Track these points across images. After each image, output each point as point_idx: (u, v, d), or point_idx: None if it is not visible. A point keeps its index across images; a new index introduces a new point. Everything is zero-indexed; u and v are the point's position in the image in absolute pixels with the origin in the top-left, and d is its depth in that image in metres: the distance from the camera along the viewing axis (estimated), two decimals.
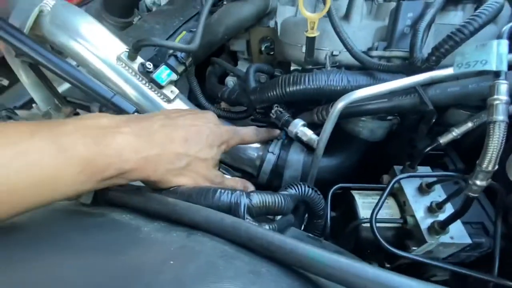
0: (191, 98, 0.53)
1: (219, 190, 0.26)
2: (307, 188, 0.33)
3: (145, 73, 0.41)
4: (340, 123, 0.46)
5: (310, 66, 0.44)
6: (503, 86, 0.27)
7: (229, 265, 0.19)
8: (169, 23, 0.59)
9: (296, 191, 0.32)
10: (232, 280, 0.18)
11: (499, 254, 0.34)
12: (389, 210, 0.41)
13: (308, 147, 0.44)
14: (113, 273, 0.19)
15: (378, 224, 0.36)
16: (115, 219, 0.25)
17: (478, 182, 0.28)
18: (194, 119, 0.31)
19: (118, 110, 0.37)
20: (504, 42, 0.28)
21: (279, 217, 0.32)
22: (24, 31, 0.37)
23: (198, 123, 0.31)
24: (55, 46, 0.40)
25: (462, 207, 0.32)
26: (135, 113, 0.37)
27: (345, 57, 0.42)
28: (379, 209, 0.36)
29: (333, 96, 0.39)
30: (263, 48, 0.55)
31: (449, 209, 0.37)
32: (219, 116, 0.50)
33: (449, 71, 0.33)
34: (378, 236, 0.35)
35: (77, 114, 0.50)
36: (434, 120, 0.39)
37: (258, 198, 0.27)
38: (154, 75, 0.41)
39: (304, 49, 0.42)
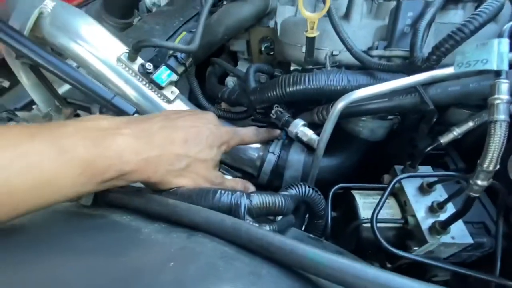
0: (191, 98, 0.53)
1: (219, 191, 0.26)
2: (307, 189, 0.33)
3: (145, 74, 0.41)
4: (340, 123, 0.46)
5: (310, 66, 0.44)
6: (504, 85, 0.27)
7: (229, 266, 0.19)
8: (169, 23, 0.59)
9: (296, 191, 0.32)
10: (232, 282, 0.18)
11: (501, 254, 0.34)
12: (390, 210, 0.40)
13: (309, 147, 0.44)
14: (114, 275, 0.19)
15: (379, 224, 0.36)
16: (116, 221, 0.25)
17: (479, 182, 0.28)
18: (194, 120, 0.31)
19: (118, 111, 0.37)
20: (505, 41, 0.28)
21: (279, 217, 0.32)
22: (24, 32, 0.37)
23: (198, 124, 0.31)
24: (55, 48, 0.40)
25: (463, 207, 0.31)
26: (135, 114, 0.37)
27: (345, 57, 0.42)
28: (380, 209, 0.36)
29: (333, 96, 0.39)
30: (263, 48, 0.55)
31: (450, 209, 0.37)
32: (219, 117, 0.50)
33: (449, 70, 0.33)
34: (379, 237, 0.34)
35: (77, 115, 0.50)
36: (434, 120, 0.38)
37: (259, 199, 0.27)
38: (154, 76, 0.41)
39: (304, 49, 0.42)
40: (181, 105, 0.45)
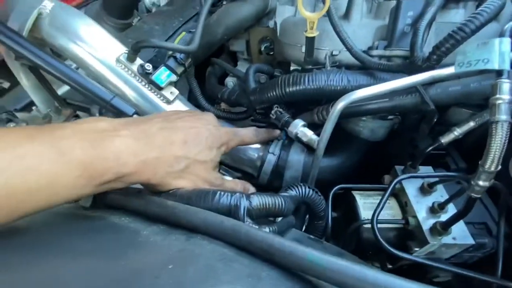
0: (191, 99, 0.53)
1: (218, 193, 0.26)
2: (307, 189, 0.33)
3: (144, 75, 0.41)
4: (340, 123, 0.45)
5: (310, 66, 0.44)
6: (505, 85, 0.26)
7: (229, 269, 0.19)
8: (169, 24, 0.59)
9: (296, 192, 0.32)
10: (231, 284, 0.18)
11: (503, 254, 0.34)
12: (391, 211, 0.40)
13: (309, 148, 0.44)
14: (113, 277, 0.19)
15: (379, 225, 0.36)
16: (114, 223, 0.25)
17: (480, 183, 0.28)
18: (193, 121, 0.31)
19: (118, 112, 0.37)
20: (507, 40, 0.27)
21: (279, 218, 0.32)
22: (23, 34, 0.37)
23: (197, 125, 0.31)
24: (54, 49, 0.40)
25: (464, 208, 0.31)
26: (135, 115, 0.37)
27: (345, 57, 0.42)
28: (381, 210, 0.36)
29: (333, 96, 0.38)
30: (262, 48, 0.55)
31: (451, 209, 0.37)
32: (218, 117, 0.50)
33: (450, 70, 0.32)
34: (379, 238, 0.34)
35: (77, 116, 0.50)
36: (435, 120, 0.38)
37: (258, 200, 0.26)
38: (153, 77, 0.41)
39: (303, 49, 0.42)
40: (180, 105, 0.45)
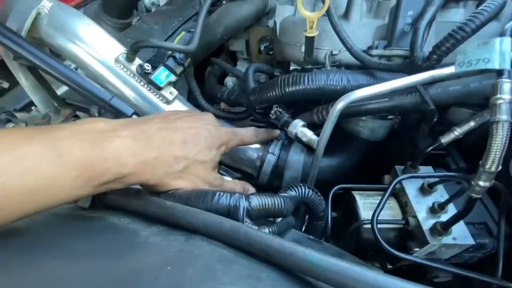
0: (190, 99, 0.52)
1: (217, 193, 0.26)
2: (307, 190, 0.33)
3: (144, 75, 0.41)
4: (340, 123, 0.45)
5: (310, 66, 0.44)
6: (506, 85, 0.26)
7: (228, 270, 0.19)
8: (168, 23, 0.59)
9: (296, 192, 0.32)
10: (231, 285, 0.18)
11: (503, 255, 0.34)
12: (391, 211, 0.40)
13: (308, 147, 0.43)
14: (111, 278, 0.19)
15: (379, 225, 0.36)
16: (113, 223, 0.25)
17: (481, 183, 0.28)
18: (193, 121, 0.31)
19: (117, 112, 0.37)
20: (507, 40, 0.27)
21: (279, 219, 0.32)
22: (22, 34, 0.37)
23: (196, 125, 0.31)
24: (53, 49, 0.40)
25: (465, 208, 0.31)
26: (134, 115, 0.37)
27: (345, 56, 0.42)
28: (381, 210, 0.36)
29: (333, 96, 0.38)
30: (262, 48, 0.55)
31: (451, 210, 0.37)
32: (218, 117, 0.49)
33: (450, 70, 0.32)
34: (379, 238, 0.34)
35: (76, 116, 0.50)
36: (435, 119, 0.38)
37: (258, 201, 0.26)
38: (152, 77, 0.41)
39: (303, 49, 0.42)
40: (180, 105, 0.45)
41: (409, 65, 0.37)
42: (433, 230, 0.35)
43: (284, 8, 0.48)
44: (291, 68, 0.49)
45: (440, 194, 0.39)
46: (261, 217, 0.27)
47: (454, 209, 0.37)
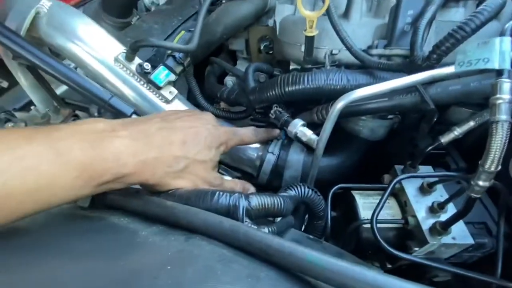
0: (190, 98, 0.52)
1: (217, 193, 0.26)
2: (306, 189, 0.33)
3: (143, 74, 0.41)
4: (340, 122, 0.45)
5: (310, 65, 0.44)
6: (506, 84, 0.26)
7: (228, 269, 0.19)
8: (168, 22, 0.59)
9: (295, 192, 0.32)
10: (230, 285, 0.18)
11: (502, 254, 0.34)
12: (390, 211, 0.40)
13: (308, 147, 0.43)
14: (111, 278, 0.19)
15: (379, 225, 0.36)
16: (113, 223, 0.25)
17: (480, 183, 0.28)
18: (192, 120, 0.31)
19: (116, 112, 0.37)
20: (507, 40, 0.27)
21: (279, 218, 0.32)
22: (21, 33, 0.37)
23: (196, 125, 0.31)
24: (53, 48, 0.40)
25: (464, 208, 0.31)
26: (133, 115, 0.37)
27: (345, 56, 0.42)
28: (380, 209, 0.36)
29: (332, 95, 0.38)
30: (262, 47, 0.55)
31: (451, 209, 0.37)
32: (218, 116, 0.49)
33: (450, 69, 0.32)
34: (379, 238, 0.34)
35: (76, 115, 0.50)
36: (435, 119, 0.38)
37: (257, 201, 0.26)
38: (152, 76, 0.41)
39: (303, 48, 0.42)
40: (179, 105, 0.45)
41: (409, 65, 0.37)
42: (433, 229, 0.35)
43: (284, 7, 0.48)
44: (291, 67, 0.49)
45: (440, 193, 0.39)
46: (261, 217, 0.27)
47: (454, 209, 0.37)
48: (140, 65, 0.41)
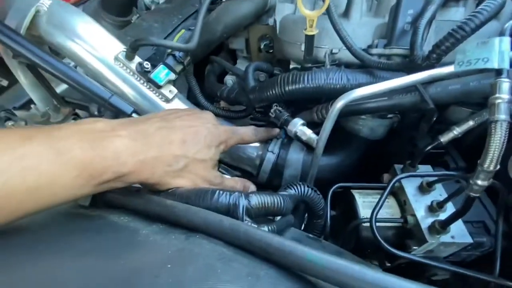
0: (190, 97, 0.52)
1: (217, 192, 0.26)
2: (306, 188, 0.33)
3: (143, 73, 0.41)
4: (340, 121, 0.45)
5: (310, 65, 0.44)
6: (505, 84, 0.26)
7: (228, 268, 0.19)
8: (168, 21, 0.59)
9: (295, 191, 0.32)
10: (230, 283, 0.18)
11: (501, 253, 0.34)
12: (390, 210, 0.40)
13: (308, 146, 0.44)
14: (112, 276, 0.19)
15: (378, 224, 0.36)
16: (114, 222, 0.25)
17: (479, 182, 0.28)
18: (192, 119, 0.31)
19: (116, 111, 0.37)
20: (507, 39, 0.27)
21: (278, 217, 0.32)
22: (21, 31, 0.36)
23: (195, 124, 0.31)
24: (52, 47, 0.40)
25: (463, 207, 0.31)
26: (133, 114, 0.37)
27: (345, 55, 0.42)
28: (380, 208, 0.36)
29: (332, 94, 0.38)
30: (262, 46, 0.55)
31: (450, 208, 0.37)
32: (218, 115, 0.49)
33: (450, 69, 0.32)
34: (378, 237, 0.34)
35: (76, 114, 0.50)
36: (435, 118, 0.38)
37: (257, 199, 0.26)
38: (152, 75, 0.41)
39: (303, 47, 0.42)
40: (179, 104, 0.45)
41: (409, 64, 0.37)
42: (432, 228, 0.35)
43: (284, 6, 0.48)
44: (291, 66, 0.49)
45: (439, 193, 0.39)
46: (261, 216, 0.27)
47: (453, 208, 0.37)
48: (140, 64, 0.41)
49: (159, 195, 0.27)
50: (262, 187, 0.42)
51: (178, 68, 0.43)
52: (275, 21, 0.48)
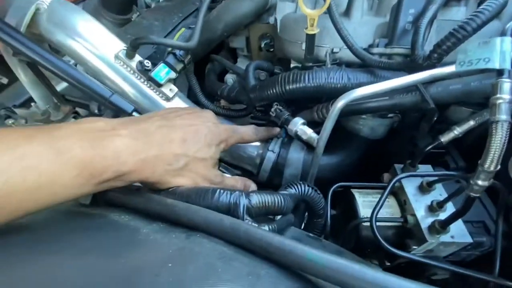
0: (190, 95, 0.52)
1: (218, 191, 0.26)
2: (307, 188, 0.33)
3: (144, 72, 0.41)
4: (340, 121, 0.45)
5: (310, 64, 0.44)
6: (506, 84, 0.26)
7: (228, 267, 0.19)
8: (168, 19, 0.58)
9: (296, 190, 0.32)
10: (231, 282, 0.18)
11: (500, 253, 0.34)
12: (390, 209, 0.40)
13: (308, 145, 0.44)
14: (112, 275, 0.19)
15: (378, 223, 0.36)
16: (114, 220, 0.25)
17: (479, 182, 0.28)
18: (192, 118, 0.31)
19: (117, 109, 0.37)
20: (508, 40, 0.27)
21: (279, 216, 0.32)
22: (21, 29, 0.36)
23: (196, 123, 0.31)
24: (53, 44, 0.40)
25: (463, 207, 0.31)
26: (134, 112, 0.37)
27: (346, 54, 0.42)
28: (380, 208, 0.36)
29: (333, 94, 0.38)
30: (262, 45, 0.54)
31: (450, 208, 0.37)
32: (218, 114, 0.49)
33: (451, 69, 0.32)
34: (378, 236, 0.34)
35: (76, 112, 0.50)
36: (435, 118, 0.38)
37: (258, 199, 0.26)
38: (152, 74, 0.41)
39: (304, 46, 0.42)
40: (179, 102, 0.45)
41: (410, 64, 0.37)
42: (432, 228, 0.35)
43: (285, 5, 0.48)
44: (292, 65, 0.49)
45: (439, 192, 0.39)
46: (261, 215, 0.27)
47: (453, 208, 0.37)
48: (140, 63, 0.41)
49: (160, 194, 0.27)
50: (262, 186, 0.42)
51: (179, 66, 0.43)
52: (276, 19, 0.48)
